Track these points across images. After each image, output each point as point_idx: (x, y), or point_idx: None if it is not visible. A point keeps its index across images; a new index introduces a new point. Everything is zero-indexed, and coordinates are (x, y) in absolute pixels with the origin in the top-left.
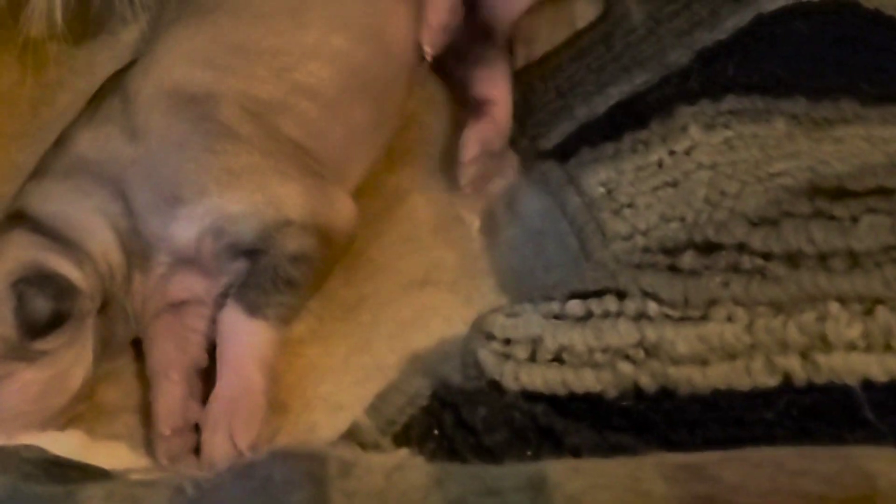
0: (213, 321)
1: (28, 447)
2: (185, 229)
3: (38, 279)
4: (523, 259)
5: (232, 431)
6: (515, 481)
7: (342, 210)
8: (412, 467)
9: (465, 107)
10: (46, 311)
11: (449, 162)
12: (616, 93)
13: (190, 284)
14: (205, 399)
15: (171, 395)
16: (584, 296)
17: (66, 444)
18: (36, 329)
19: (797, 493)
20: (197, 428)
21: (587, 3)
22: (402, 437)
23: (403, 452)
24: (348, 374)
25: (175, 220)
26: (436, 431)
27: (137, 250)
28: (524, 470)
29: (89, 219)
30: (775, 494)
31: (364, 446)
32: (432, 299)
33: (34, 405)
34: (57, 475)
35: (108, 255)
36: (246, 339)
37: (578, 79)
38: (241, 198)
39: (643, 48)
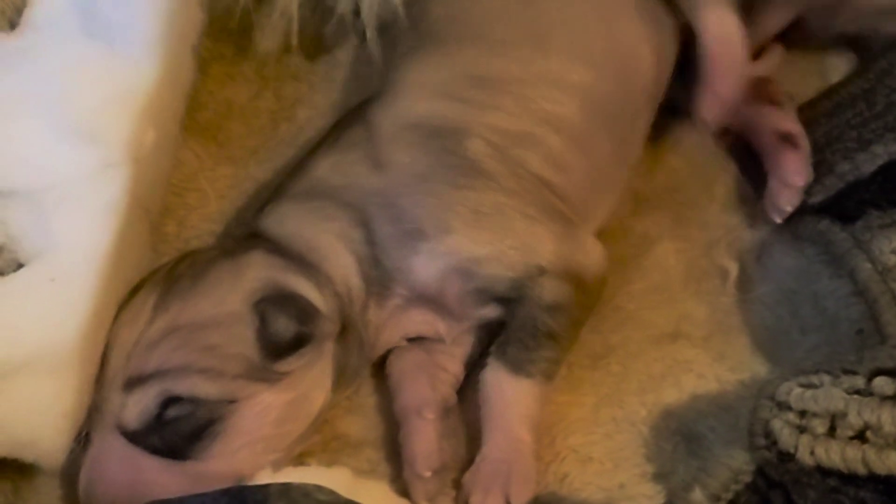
0: (462, 361)
1: (320, 489)
2: (427, 266)
3: (280, 300)
4: (778, 319)
5: (508, 494)
6: None
7: (592, 253)
8: None
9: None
10: (289, 332)
11: (698, 208)
12: (883, 152)
13: (427, 321)
14: None
15: (428, 435)
16: (892, 373)
17: (336, 482)
18: (278, 350)
19: None
20: None
21: (839, 57)
22: None
23: None
24: (598, 425)
25: (416, 254)
26: None
27: (376, 279)
28: None
29: (330, 242)
30: None
31: None
32: (684, 354)
33: (274, 429)
34: None
35: (348, 280)
36: (512, 398)
37: (837, 134)
38: (488, 240)
39: None
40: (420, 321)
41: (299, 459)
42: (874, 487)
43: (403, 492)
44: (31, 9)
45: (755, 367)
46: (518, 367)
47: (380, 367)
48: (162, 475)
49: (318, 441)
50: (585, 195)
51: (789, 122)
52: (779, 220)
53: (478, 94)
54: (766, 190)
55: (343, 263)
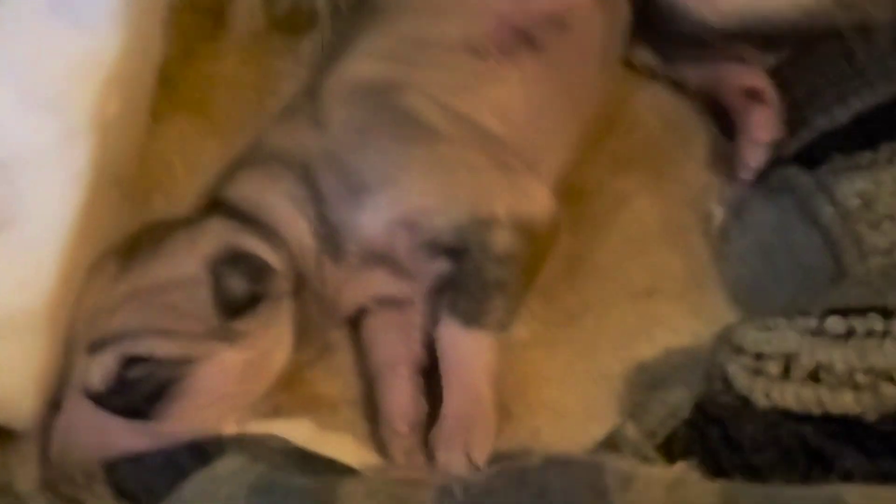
0: (431, 320)
1: (272, 437)
2: (372, 219)
3: (233, 260)
4: (753, 272)
5: (468, 448)
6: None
7: (539, 201)
8: (694, 483)
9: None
10: (243, 290)
11: (676, 165)
12: (858, 104)
13: (389, 280)
14: None
15: (404, 392)
16: (844, 312)
17: (297, 434)
18: (234, 308)
19: None
20: None
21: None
22: (665, 449)
23: (681, 467)
24: (572, 380)
25: (361, 208)
26: (700, 446)
27: (326, 236)
28: (819, 493)
29: (280, 202)
30: None
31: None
32: (659, 309)
33: (236, 387)
34: (306, 468)
35: (300, 239)
36: (467, 351)
37: (816, 90)
38: (432, 190)
39: (889, 63)
40: (381, 281)
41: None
42: (816, 423)
43: (379, 448)
44: None
45: (730, 321)
46: (471, 319)
47: (358, 329)
48: (127, 436)
49: (298, 401)
50: (531, 145)
51: (755, 78)
52: (748, 178)
53: (417, 54)
54: (735, 147)
55: (293, 222)
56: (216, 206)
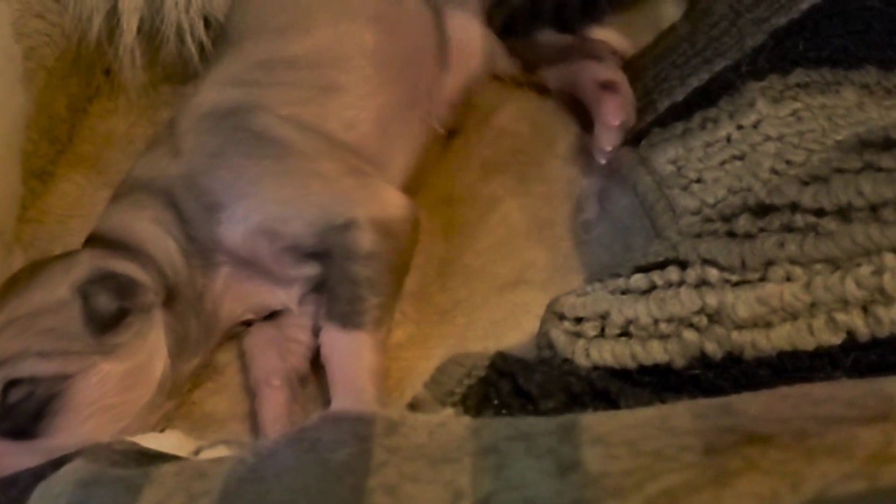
0: (312, 331)
1: (121, 441)
2: (231, 232)
3: (101, 279)
4: (613, 255)
5: None
6: (547, 427)
7: (392, 202)
8: (455, 423)
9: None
10: (112, 306)
11: (541, 165)
12: (696, 81)
13: (263, 290)
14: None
15: (276, 401)
16: (647, 269)
17: (166, 443)
18: (104, 324)
19: (817, 417)
20: None
21: (675, 6)
22: (460, 406)
23: (449, 411)
24: None
25: (219, 224)
26: (494, 400)
27: (194, 252)
28: (559, 418)
29: (146, 227)
30: (795, 420)
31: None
32: (525, 298)
33: (116, 397)
34: (143, 462)
35: (169, 256)
36: (348, 351)
37: (664, 76)
38: (284, 199)
39: (724, 40)
40: (257, 290)
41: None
42: (609, 371)
43: None
44: None
45: None
46: (347, 321)
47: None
48: (16, 456)
49: (187, 419)
50: (380, 149)
51: (609, 71)
52: (602, 161)
53: (263, 76)
54: (592, 136)
55: (160, 241)
56: (90, 241)
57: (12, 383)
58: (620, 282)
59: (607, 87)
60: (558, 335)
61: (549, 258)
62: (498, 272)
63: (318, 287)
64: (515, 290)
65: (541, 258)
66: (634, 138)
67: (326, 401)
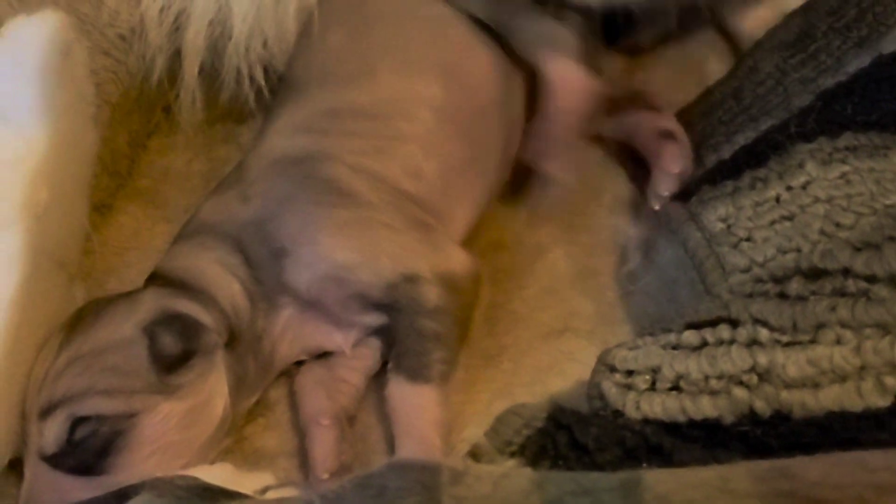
0: (363, 373)
1: (182, 476)
2: (297, 275)
3: (167, 320)
4: (658, 306)
5: None
6: (609, 483)
7: (455, 255)
8: (518, 475)
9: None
10: (177, 347)
11: (587, 215)
12: (742, 139)
13: (323, 332)
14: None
15: (325, 441)
16: (698, 326)
17: (217, 476)
18: (169, 364)
19: (873, 485)
20: None
21: (719, 62)
22: (519, 457)
23: (512, 462)
24: (490, 418)
25: (286, 268)
26: (551, 451)
27: (259, 294)
28: (621, 474)
29: (212, 268)
30: (852, 487)
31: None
32: (570, 346)
33: (178, 435)
34: (206, 498)
35: (233, 298)
36: (416, 405)
37: (709, 132)
38: (353, 248)
39: (771, 98)
40: (316, 332)
41: None
42: (661, 426)
43: None
44: None
45: None
46: (415, 375)
47: None
48: (83, 493)
49: (237, 453)
50: (443, 202)
51: (668, 121)
52: (657, 207)
53: (331, 124)
54: (649, 183)
55: (225, 283)
56: (153, 279)
57: (78, 421)
58: (672, 337)
59: (667, 135)
60: (609, 387)
61: (594, 307)
62: (543, 319)
63: (374, 333)
64: (560, 337)
65: (586, 307)
66: (682, 193)
67: (374, 440)
